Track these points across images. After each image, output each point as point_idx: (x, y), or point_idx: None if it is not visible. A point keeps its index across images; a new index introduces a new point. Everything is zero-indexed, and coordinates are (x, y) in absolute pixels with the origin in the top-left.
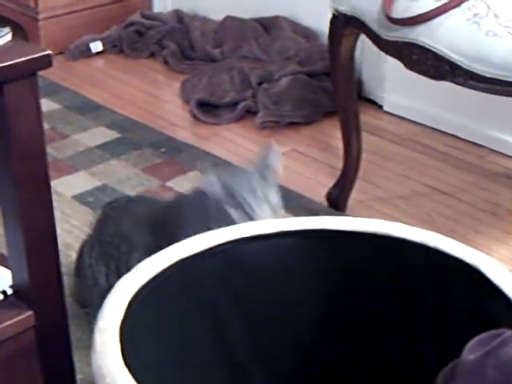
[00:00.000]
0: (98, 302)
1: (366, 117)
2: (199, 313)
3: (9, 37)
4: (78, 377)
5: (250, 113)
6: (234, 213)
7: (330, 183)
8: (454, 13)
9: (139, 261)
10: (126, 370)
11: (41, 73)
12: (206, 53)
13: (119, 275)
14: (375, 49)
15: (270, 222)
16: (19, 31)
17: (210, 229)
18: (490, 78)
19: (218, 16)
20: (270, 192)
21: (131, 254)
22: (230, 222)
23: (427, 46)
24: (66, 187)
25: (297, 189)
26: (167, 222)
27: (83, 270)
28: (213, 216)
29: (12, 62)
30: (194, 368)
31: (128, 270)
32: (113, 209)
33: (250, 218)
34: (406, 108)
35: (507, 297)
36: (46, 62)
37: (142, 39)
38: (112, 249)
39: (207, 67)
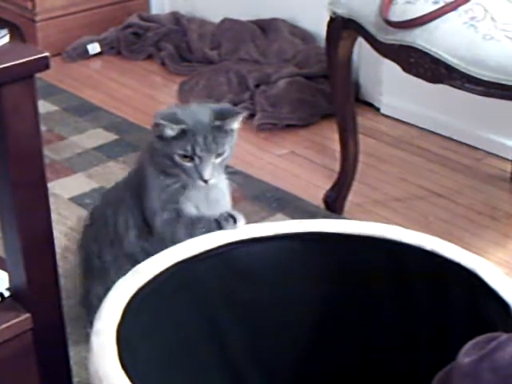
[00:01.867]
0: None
1: (363, 119)
2: (197, 315)
3: (6, 38)
4: (75, 380)
5: (248, 115)
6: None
7: (327, 185)
8: (451, 16)
9: (136, 226)
10: (122, 372)
11: (38, 74)
12: (203, 55)
13: (120, 240)
14: (373, 51)
15: (268, 224)
16: (17, 33)
17: None
18: (487, 81)
19: (215, 18)
20: (221, 138)
21: (128, 221)
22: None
23: (424, 49)
24: (63, 189)
25: (294, 191)
26: (136, 183)
27: (88, 259)
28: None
29: (9, 64)
30: (191, 371)
31: (127, 229)
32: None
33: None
34: (403, 111)
35: (503, 300)
36: (43, 63)
37: (140, 41)
38: (105, 226)
39: (205, 69)
